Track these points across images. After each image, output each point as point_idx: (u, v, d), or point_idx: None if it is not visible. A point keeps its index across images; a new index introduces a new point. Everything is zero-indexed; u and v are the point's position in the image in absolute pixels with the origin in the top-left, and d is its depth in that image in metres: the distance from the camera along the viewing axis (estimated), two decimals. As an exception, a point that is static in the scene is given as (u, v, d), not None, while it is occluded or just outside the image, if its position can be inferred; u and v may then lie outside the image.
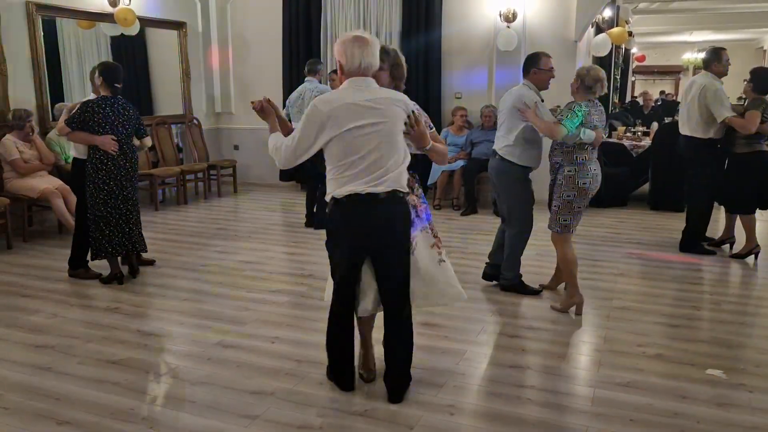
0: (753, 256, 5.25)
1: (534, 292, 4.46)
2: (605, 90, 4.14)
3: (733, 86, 19.84)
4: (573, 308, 4.09)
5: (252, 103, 3.00)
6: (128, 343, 3.63)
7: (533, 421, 2.79)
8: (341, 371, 3.05)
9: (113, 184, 4.52)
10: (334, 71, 6.03)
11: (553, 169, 4.19)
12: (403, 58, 3.11)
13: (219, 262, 5.29)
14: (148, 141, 4.90)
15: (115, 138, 4.48)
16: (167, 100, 8.28)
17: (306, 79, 6.39)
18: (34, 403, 2.96)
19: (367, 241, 2.81)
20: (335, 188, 2.76)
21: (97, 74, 4.56)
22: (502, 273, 4.50)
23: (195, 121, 8.35)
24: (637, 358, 3.41)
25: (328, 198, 2.82)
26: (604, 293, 4.46)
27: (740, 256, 5.28)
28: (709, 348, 3.57)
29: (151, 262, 5.12)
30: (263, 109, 2.97)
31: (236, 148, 8.95)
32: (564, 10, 7.17)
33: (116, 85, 4.51)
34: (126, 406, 2.93)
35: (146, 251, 4.93)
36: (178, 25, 8.11)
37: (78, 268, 4.82)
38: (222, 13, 8.66)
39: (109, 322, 3.96)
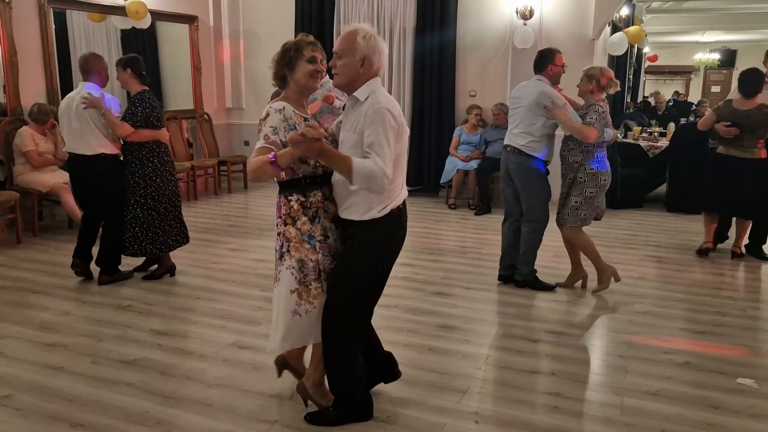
0: None
1: (549, 288, 4.47)
2: (618, 88, 4.32)
3: (745, 87, 19.69)
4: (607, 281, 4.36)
5: (303, 136, 2.25)
6: (142, 343, 3.56)
7: (560, 431, 2.69)
8: (367, 400, 2.76)
9: (168, 175, 4.53)
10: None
11: (572, 168, 4.28)
12: None
13: (231, 260, 5.21)
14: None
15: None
16: (177, 95, 8.19)
17: None
18: (46, 404, 2.88)
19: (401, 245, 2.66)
20: (389, 201, 2.48)
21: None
22: (518, 268, 4.47)
23: (206, 116, 8.27)
24: (664, 366, 3.32)
25: (372, 215, 2.46)
26: (625, 297, 4.36)
27: None
28: (738, 356, 3.47)
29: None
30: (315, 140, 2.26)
31: (246, 143, 8.87)
32: (582, 8, 7.05)
33: (144, 73, 4.42)
34: (141, 408, 2.85)
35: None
36: (189, 19, 8.02)
37: (115, 273, 4.58)
38: (234, 7, 8.57)
39: (122, 320, 3.89)
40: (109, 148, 4.47)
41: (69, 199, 5.63)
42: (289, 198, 2.54)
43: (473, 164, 7.10)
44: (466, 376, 3.20)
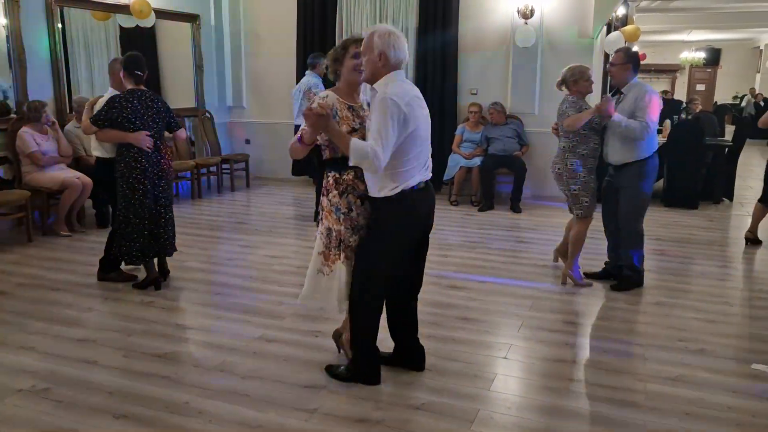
0: None
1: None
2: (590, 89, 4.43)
3: (729, 85, 20.14)
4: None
5: (310, 110, 2.71)
6: (170, 337, 3.62)
7: (591, 416, 2.81)
8: (375, 367, 3.06)
9: (147, 183, 4.24)
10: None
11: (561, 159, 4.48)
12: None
13: (245, 256, 5.27)
14: (182, 133, 4.62)
15: (149, 133, 4.25)
16: (178, 94, 8.20)
17: (306, 72, 6.43)
18: (86, 396, 2.93)
19: (423, 227, 2.97)
20: (401, 182, 2.77)
21: (117, 68, 4.40)
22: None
23: (207, 114, 8.30)
24: (680, 353, 3.45)
25: (385, 193, 2.79)
26: (635, 289, 4.48)
27: None
28: (749, 343, 3.61)
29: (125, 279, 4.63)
30: (320, 116, 2.70)
31: (248, 142, 8.91)
32: (581, 7, 7.19)
33: (138, 72, 4.24)
34: (180, 399, 2.91)
35: (171, 255, 4.56)
36: (191, 18, 8.05)
37: (110, 272, 4.55)
38: (235, 6, 8.60)
39: (146, 316, 3.94)
40: (105, 151, 4.51)
41: (71, 197, 5.69)
42: (328, 174, 2.93)
43: (476, 161, 7.21)
44: (492, 364, 3.31)
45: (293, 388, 3.02)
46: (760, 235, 5.74)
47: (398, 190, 2.77)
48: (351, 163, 2.70)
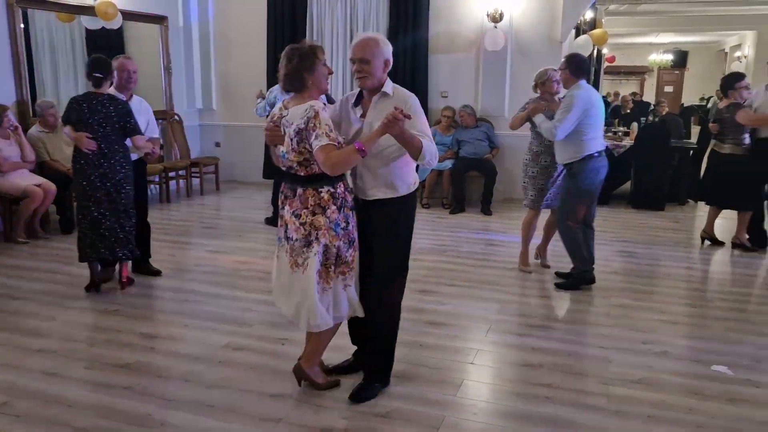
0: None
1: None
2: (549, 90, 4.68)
3: (696, 87, 20.53)
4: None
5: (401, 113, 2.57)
6: (134, 347, 3.55)
7: (556, 420, 2.83)
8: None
9: (87, 186, 4.20)
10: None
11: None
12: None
13: (213, 262, 5.21)
14: (138, 140, 4.38)
15: (90, 136, 4.14)
16: (146, 96, 7.96)
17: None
18: (45, 410, 2.87)
19: None
20: (416, 177, 2.97)
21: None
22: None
23: (176, 117, 8.19)
24: (644, 355, 3.50)
25: (412, 188, 2.91)
26: (601, 291, 4.55)
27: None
28: (710, 344, 3.68)
29: (156, 273, 4.80)
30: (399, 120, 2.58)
31: (218, 145, 8.82)
32: (550, 11, 7.27)
33: (96, 74, 4.18)
34: (142, 411, 2.87)
35: (125, 259, 4.44)
36: (159, 20, 7.93)
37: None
38: (204, 7, 8.50)
39: (110, 325, 3.87)
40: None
41: (30, 206, 5.59)
42: (320, 190, 2.75)
43: (447, 164, 7.24)
44: (460, 370, 3.32)
45: (259, 398, 2.99)
46: (722, 236, 5.86)
47: (415, 186, 2.94)
48: (419, 163, 2.74)
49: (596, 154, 4.37)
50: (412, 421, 2.80)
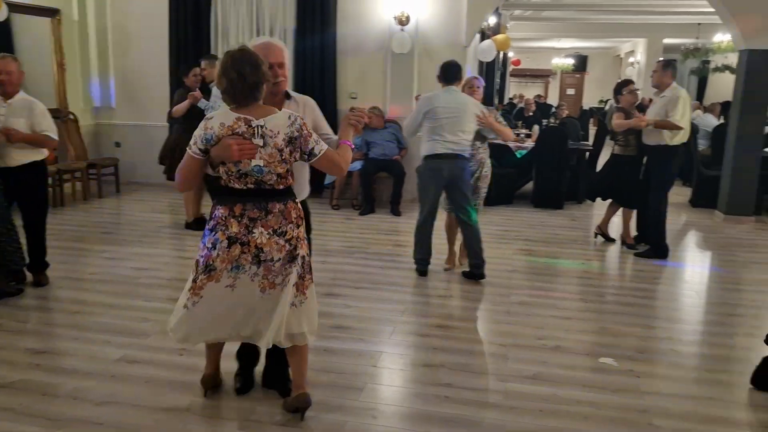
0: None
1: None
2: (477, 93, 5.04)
3: (596, 90, 21.68)
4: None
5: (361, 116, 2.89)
6: (18, 364, 3.32)
7: (455, 419, 2.89)
8: None
9: None
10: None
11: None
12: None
13: (109, 269, 4.96)
14: None
15: None
16: (39, 94, 7.47)
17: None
18: None
19: None
20: None
21: None
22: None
23: (71, 116, 7.73)
24: (539, 351, 3.65)
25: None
26: (502, 290, 4.71)
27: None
28: (599, 338, 3.90)
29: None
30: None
31: (118, 145, 8.41)
32: (454, 16, 7.43)
33: None
34: (24, 434, 2.69)
35: (15, 269, 4.26)
36: (51, 12, 7.45)
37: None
38: (100, 0, 8.08)
39: (-9, 341, 3.60)
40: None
41: None
42: (296, 201, 2.72)
43: (356, 165, 7.26)
44: (363, 374, 3.33)
45: (153, 413, 2.88)
46: (615, 233, 6.22)
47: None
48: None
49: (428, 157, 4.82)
50: (312, 429, 2.79)
